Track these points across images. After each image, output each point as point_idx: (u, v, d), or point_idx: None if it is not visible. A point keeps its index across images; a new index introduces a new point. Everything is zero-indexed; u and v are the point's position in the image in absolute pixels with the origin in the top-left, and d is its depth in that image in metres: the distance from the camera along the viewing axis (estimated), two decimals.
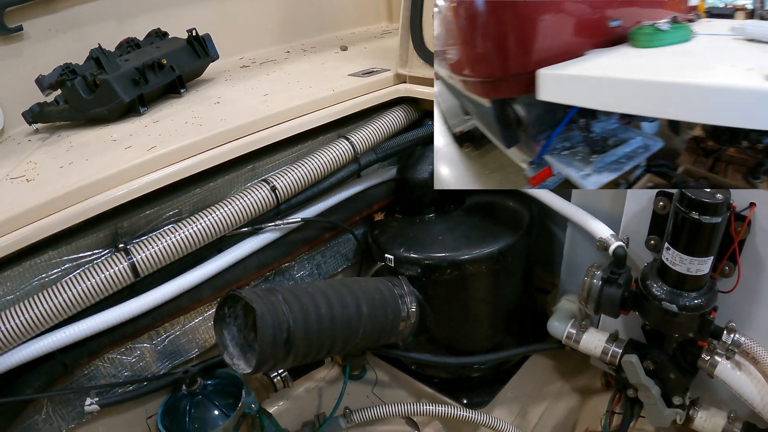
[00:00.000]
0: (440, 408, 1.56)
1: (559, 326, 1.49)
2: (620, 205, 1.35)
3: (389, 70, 1.62)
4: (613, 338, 1.43)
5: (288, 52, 2.21)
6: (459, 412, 1.55)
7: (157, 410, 1.53)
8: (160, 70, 1.66)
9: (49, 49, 1.83)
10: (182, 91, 1.73)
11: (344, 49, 2.06)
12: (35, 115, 1.72)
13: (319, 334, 1.27)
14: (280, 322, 1.21)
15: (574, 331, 1.47)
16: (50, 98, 1.75)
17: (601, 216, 1.40)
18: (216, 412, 1.44)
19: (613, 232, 1.35)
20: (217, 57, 1.81)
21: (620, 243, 1.31)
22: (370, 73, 1.62)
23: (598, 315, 1.44)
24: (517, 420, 1.63)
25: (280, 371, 1.57)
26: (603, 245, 1.34)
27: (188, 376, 1.43)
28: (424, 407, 1.56)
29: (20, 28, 1.76)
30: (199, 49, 1.76)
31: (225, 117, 1.45)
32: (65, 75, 1.62)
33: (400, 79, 1.61)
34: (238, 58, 2.14)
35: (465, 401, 1.64)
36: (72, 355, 1.32)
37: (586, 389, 1.72)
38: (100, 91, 1.58)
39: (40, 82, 1.63)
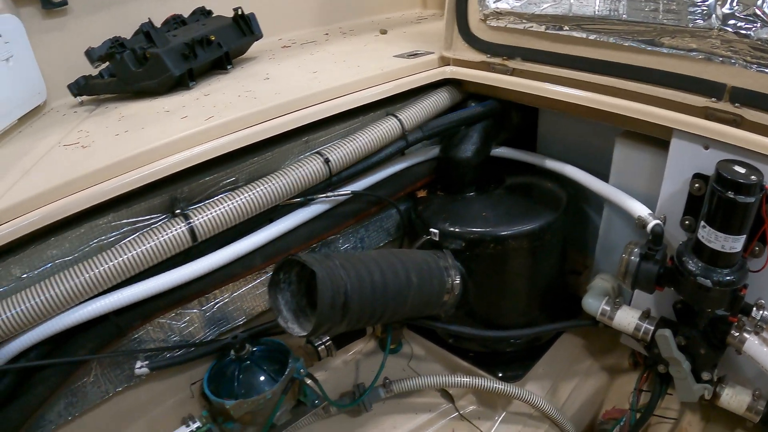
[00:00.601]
0: (477, 380, 1.61)
1: (594, 303, 1.54)
2: (656, 186, 1.41)
3: (433, 53, 1.68)
4: (646, 315, 1.49)
5: (327, 34, 2.26)
6: (495, 385, 1.61)
7: (201, 376, 1.57)
8: (208, 46, 1.71)
9: (91, 24, 1.87)
10: (228, 67, 1.78)
11: (384, 32, 2.12)
12: (80, 87, 1.75)
13: (373, 300, 1.32)
14: (338, 286, 1.26)
15: (608, 308, 1.52)
16: (95, 72, 1.79)
17: (637, 197, 1.46)
18: (262, 378, 1.49)
19: (651, 211, 1.41)
20: (261, 36, 1.86)
21: (658, 221, 1.37)
22: (414, 55, 1.67)
23: (634, 290, 1.50)
24: (548, 396, 1.69)
25: (324, 340, 1.61)
26: (641, 223, 1.40)
27: (237, 341, 1.48)
28: (462, 379, 1.62)
29: (65, 3, 1.79)
30: (245, 28, 1.81)
31: (278, 91, 1.50)
32: (114, 48, 1.66)
33: (444, 61, 1.67)
34: (276, 39, 2.19)
35: (500, 375, 1.69)
36: (126, 317, 1.36)
37: (614, 368, 1.78)
38: (149, 65, 1.62)
39: (90, 54, 1.67)
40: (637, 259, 1.36)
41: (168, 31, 1.74)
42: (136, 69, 1.64)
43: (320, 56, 1.86)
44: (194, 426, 1.53)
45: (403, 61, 1.63)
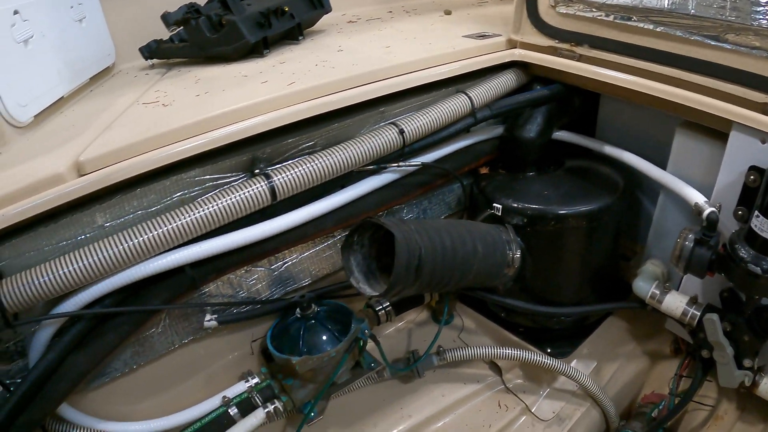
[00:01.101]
0: (528, 354, 1.66)
1: (644, 286, 1.59)
2: (712, 176, 1.45)
3: (501, 35, 1.73)
4: (693, 301, 1.53)
5: (390, 12, 2.30)
6: (545, 360, 1.66)
7: (262, 334, 1.62)
8: (281, 16, 1.75)
9: None
10: (300, 38, 1.83)
11: (448, 13, 2.16)
12: (152, 51, 1.80)
13: (443, 266, 1.38)
14: (413, 249, 1.31)
15: (658, 292, 1.57)
16: (165, 36, 1.84)
17: (692, 186, 1.51)
18: (325, 337, 1.53)
19: (706, 199, 1.45)
20: (330, 10, 1.91)
21: (713, 209, 1.41)
22: (483, 36, 1.72)
23: (685, 275, 1.55)
24: (592, 374, 1.73)
25: (384, 305, 1.67)
26: (697, 210, 1.44)
27: (305, 300, 1.52)
28: (514, 352, 1.67)
29: None
30: (315, 1, 1.86)
31: (356, 62, 1.55)
32: (190, 14, 1.71)
33: (512, 44, 1.71)
34: (341, 14, 2.24)
35: (549, 350, 1.74)
36: (201, 270, 1.40)
37: (656, 354, 1.83)
38: (225, 31, 1.67)
39: (165, 18, 1.72)
40: (692, 244, 1.41)
41: (242, 1, 1.79)
42: (210, 35, 1.69)
43: (388, 33, 1.91)
44: (253, 381, 1.58)
45: (472, 42, 1.68)
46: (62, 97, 1.60)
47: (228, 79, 1.58)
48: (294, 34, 1.83)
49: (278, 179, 1.36)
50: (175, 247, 1.32)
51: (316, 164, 1.39)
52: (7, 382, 1.34)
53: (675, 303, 1.54)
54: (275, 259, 1.56)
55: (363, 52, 1.67)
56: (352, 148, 1.44)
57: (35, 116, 1.45)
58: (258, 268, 1.55)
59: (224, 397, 1.54)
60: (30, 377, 1.26)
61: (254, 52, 1.72)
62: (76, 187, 1.19)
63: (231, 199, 1.32)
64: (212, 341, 1.60)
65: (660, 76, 1.47)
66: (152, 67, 1.85)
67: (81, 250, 1.20)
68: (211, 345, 1.60)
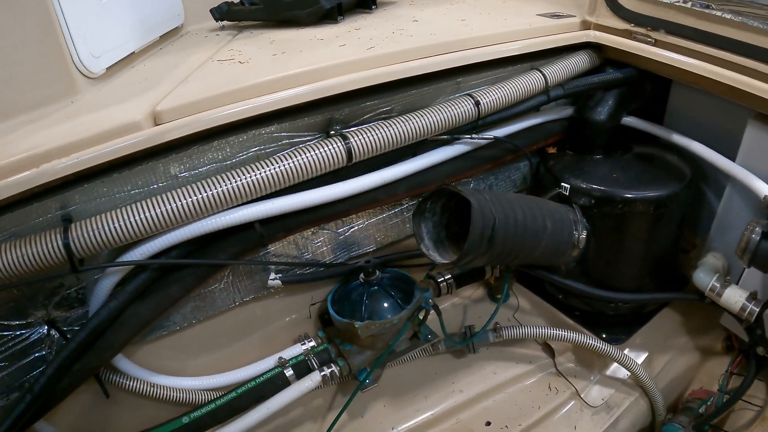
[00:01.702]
0: (584, 338, 1.63)
1: (705, 278, 1.55)
2: None
3: (575, 16, 1.70)
4: (753, 296, 1.49)
5: None
6: (600, 345, 1.62)
7: (321, 298, 1.60)
8: None
9: None
10: (372, 7, 1.82)
11: None
12: (223, 12, 1.80)
13: (514, 238, 1.35)
14: (487, 219, 1.29)
15: (718, 285, 1.53)
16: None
17: (763, 178, 1.46)
18: (386, 305, 1.51)
19: None
20: None
21: None
22: (556, 16, 1.69)
23: (748, 268, 1.52)
24: (644, 364, 1.70)
25: (446, 276, 1.65)
26: (766, 203, 1.41)
27: (370, 266, 1.51)
28: (569, 334, 1.64)
29: None
30: None
31: (433, 32, 1.53)
32: None
33: (586, 25, 1.68)
34: None
35: (604, 336, 1.71)
36: (271, 227, 1.39)
37: (707, 349, 1.79)
38: None
39: None
40: (758, 238, 1.36)
41: None
42: None
43: (460, 7, 1.88)
44: (309, 344, 1.56)
45: (546, 20, 1.65)
46: (133, 53, 1.60)
47: (304, 42, 1.56)
48: (367, 2, 1.82)
49: (355, 141, 1.34)
50: (246, 203, 1.30)
51: (393, 129, 1.37)
52: (65, 329, 1.33)
53: (734, 297, 1.50)
54: (342, 223, 1.54)
55: (439, 23, 1.65)
56: (428, 116, 1.41)
57: (107, 69, 1.45)
58: (325, 231, 1.53)
59: (280, 358, 1.52)
60: (90, 324, 1.25)
61: (328, 17, 1.71)
62: (153, 136, 1.18)
63: (308, 156, 1.30)
64: (270, 302, 1.59)
65: (735, 66, 1.43)
66: (222, 28, 1.84)
67: (153, 199, 1.19)
68: (269, 306, 1.59)
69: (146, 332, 1.44)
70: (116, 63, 1.51)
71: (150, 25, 1.69)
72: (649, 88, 1.71)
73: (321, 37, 1.57)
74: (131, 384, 1.45)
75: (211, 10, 1.79)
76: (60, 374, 1.23)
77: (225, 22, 1.83)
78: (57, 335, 1.33)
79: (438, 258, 1.35)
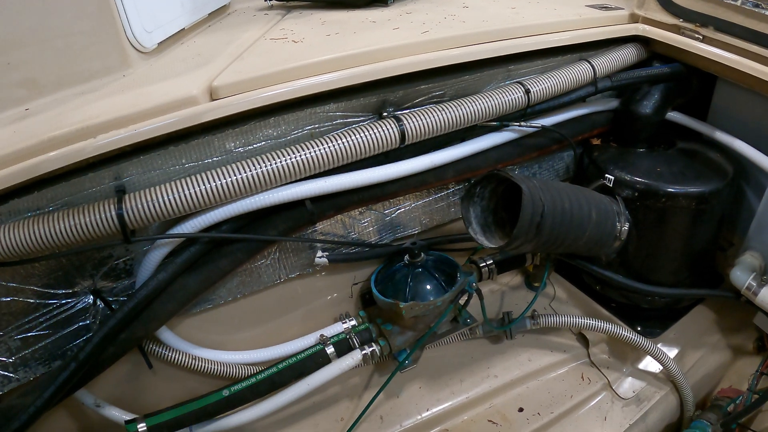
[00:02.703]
0: (619, 329, 1.62)
1: (742, 276, 1.54)
2: None
3: (623, 9, 1.68)
4: None
5: None
6: (635, 338, 1.62)
7: (364, 278, 1.60)
8: None
9: None
10: None
11: None
12: None
13: (561, 226, 1.34)
14: (537, 206, 1.28)
15: (755, 284, 1.51)
16: None
17: None
18: (429, 287, 1.51)
19: None
20: None
21: None
22: (605, 8, 1.67)
23: None
24: (675, 359, 1.70)
25: (488, 262, 1.64)
26: None
27: (416, 247, 1.50)
28: (605, 325, 1.63)
29: None
30: None
31: (485, 19, 1.52)
32: None
33: (634, 18, 1.66)
34: None
35: (639, 329, 1.71)
36: (321, 206, 1.38)
37: (738, 349, 1.78)
38: None
39: None
40: None
41: None
42: None
43: None
44: (351, 323, 1.56)
45: (596, 12, 1.63)
46: (183, 29, 1.60)
47: (356, 24, 1.55)
48: None
49: (409, 123, 1.33)
50: (299, 180, 1.30)
51: (446, 113, 1.37)
52: (110, 299, 1.33)
53: None
54: (389, 204, 1.54)
55: (489, 10, 1.63)
56: (479, 101, 1.41)
57: (159, 44, 1.45)
58: (372, 212, 1.53)
59: (321, 335, 1.52)
60: (138, 294, 1.25)
61: (378, 0, 1.70)
62: (210, 110, 1.18)
63: (362, 136, 1.30)
64: (313, 280, 1.59)
65: None
66: (271, 8, 1.83)
67: (207, 174, 1.18)
68: (312, 283, 1.59)
69: (192, 305, 1.43)
70: (167, 39, 1.51)
71: (200, 2, 1.69)
72: (694, 84, 1.70)
73: (373, 20, 1.56)
74: (173, 356, 1.45)
75: None
76: (106, 343, 1.23)
77: (274, 2, 1.82)
78: (102, 305, 1.33)
79: (486, 242, 1.35)
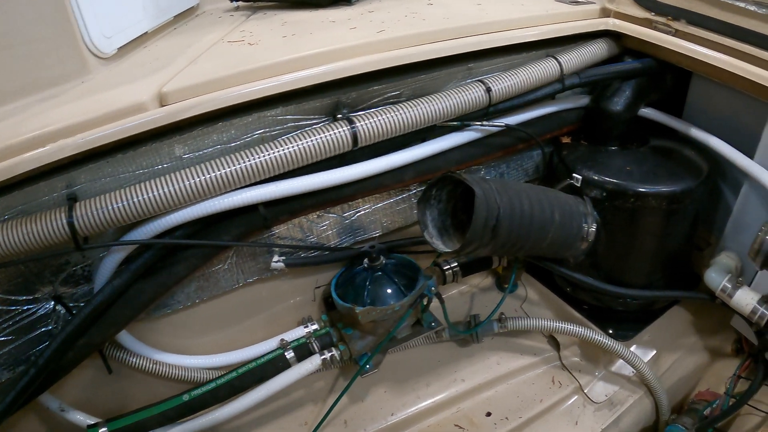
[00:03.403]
0: (590, 332, 1.57)
1: (716, 278, 1.47)
2: None
3: (594, 2, 1.61)
4: (765, 300, 1.40)
5: None
6: (607, 341, 1.56)
7: (326, 282, 1.56)
8: None
9: None
10: None
11: None
12: None
13: (519, 229, 1.29)
14: (492, 208, 1.23)
15: (730, 286, 1.44)
16: None
17: None
18: (390, 291, 1.47)
19: None
20: None
21: None
22: (576, 2, 1.60)
23: (761, 271, 1.44)
24: (650, 362, 1.64)
25: (452, 264, 1.59)
26: None
27: (375, 251, 1.46)
28: (575, 328, 1.58)
29: None
30: None
31: (447, 16, 1.46)
32: None
33: (605, 13, 1.59)
34: None
35: (611, 331, 1.64)
36: (275, 210, 1.35)
37: (716, 351, 1.72)
38: None
39: None
40: None
41: None
42: None
43: None
44: (312, 327, 1.53)
45: (565, 6, 1.56)
46: (146, 32, 1.57)
47: (316, 24, 1.51)
48: None
49: (361, 125, 1.29)
50: (251, 185, 1.26)
51: (400, 114, 1.31)
52: (71, 305, 1.32)
53: (746, 299, 1.42)
54: (348, 207, 1.49)
55: (454, 7, 1.57)
56: (437, 101, 1.35)
57: (119, 48, 1.42)
58: (330, 215, 1.48)
59: (282, 339, 1.49)
60: (94, 301, 1.24)
61: (342, 0, 1.65)
62: (157, 117, 1.15)
63: (312, 140, 1.25)
64: (275, 284, 1.55)
65: (758, 60, 1.34)
66: (237, 9, 1.79)
67: (157, 180, 1.16)
68: (274, 288, 1.56)
69: (151, 310, 1.41)
70: (128, 43, 1.47)
71: (164, 5, 1.65)
72: (668, 79, 1.62)
73: (333, 20, 1.52)
74: (135, 361, 1.44)
75: None
76: (64, 348, 1.22)
77: (240, 3, 1.78)
78: (63, 311, 1.32)
79: (441, 246, 1.30)
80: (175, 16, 1.70)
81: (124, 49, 1.45)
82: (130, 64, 1.41)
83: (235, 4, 1.79)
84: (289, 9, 1.68)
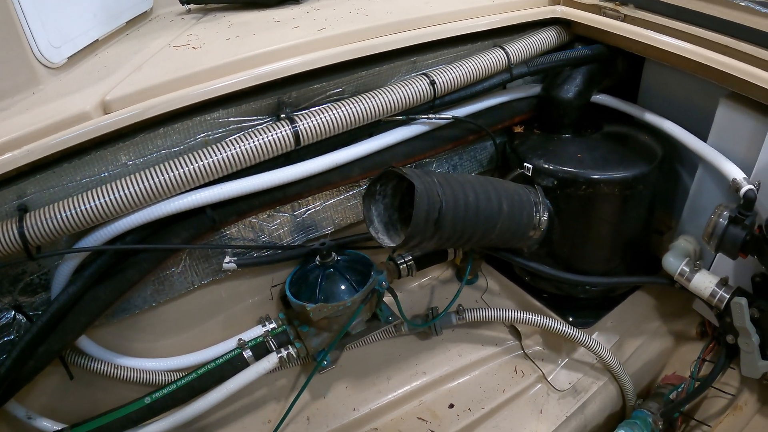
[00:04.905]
0: (548, 321, 1.58)
1: (674, 262, 1.47)
2: (754, 153, 1.33)
3: None
4: (723, 283, 1.40)
5: None
6: (565, 329, 1.57)
7: (283, 280, 1.57)
8: None
9: None
10: None
11: None
12: None
13: (465, 221, 1.29)
14: (433, 201, 1.23)
15: (688, 270, 1.44)
16: None
17: (733, 161, 1.38)
18: (343, 287, 1.48)
19: (746, 176, 1.32)
20: None
21: (752, 186, 1.28)
22: None
23: (716, 254, 1.43)
24: (613, 349, 1.64)
25: (406, 259, 1.60)
26: (735, 186, 1.31)
27: (325, 248, 1.47)
28: (534, 317, 1.58)
29: None
30: None
31: (391, 11, 1.46)
32: None
33: (554, 1, 1.59)
34: None
35: (570, 319, 1.64)
36: (222, 212, 1.36)
37: (681, 335, 1.72)
38: None
39: None
40: (725, 222, 1.28)
41: None
42: None
43: None
44: (270, 326, 1.54)
45: None
46: (97, 40, 1.57)
47: (260, 24, 1.51)
48: None
49: (303, 124, 1.30)
50: (196, 188, 1.28)
51: (342, 111, 1.32)
52: (30, 313, 1.34)
53: (704, 283, 1.42)
54: (299, 206, 1.50)
55: (399, 1, 1.57)
56: (379, 96, 1.36)
57: (69, 58, 1.43)
58: (281, 214, 1.49)
59: (240, 339, 1.50)
60: (51, 309, 1.26)
61: None
62: (101, 125, 1.16)
63: (253, 142, 1.27)
64: (234, 284, 1.57)
65: (707, 43, 1.34)
66: (188, 12, 1.79)
67: (103, 187, 1.18)
68: (233, 288, 1.57)
69: (109, 315, 1.43)
70: (79, 51, 1.48)
71: (115, 11, 1.66)
72: (621, 65, 1.62)
73: (278, 19, 1.52)
74: (97, 366, 1.46)
75: None
76: (25, 357, 1.24)
77: (191, 6, 1.78)
78: (24, 320, 1.33)
79: (386, 241, 1.30)
80: (127, 22, 1.70)
81: (75, 58, 1.46)
82: (80, 72, 1.42)
83: (186, 7, 1.79)
84: (238, 10, 1.68)
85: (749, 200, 1.28)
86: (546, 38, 1.56)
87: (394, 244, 1.29)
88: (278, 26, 1.46)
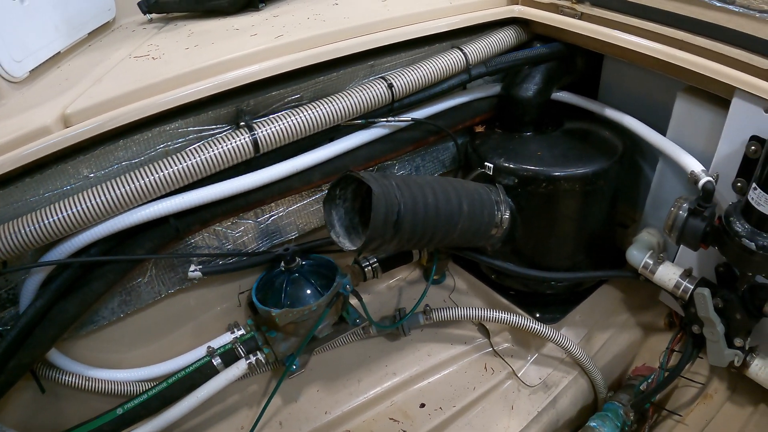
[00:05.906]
0: (515, 318, 1.61)
1: (638, 255, 1.51)
2: (712, 145, 1.37)
3: None
4: (687, 274, 1.44)
5: None
6: (532, 325, 1.61)
7: (250, 286, 1.60)
8: None
9: None
10: None
11: None
12: (150, 5, 1.77)
13: (424, 222, 1.32)
14: (392, 204, 1.26)
15: (651, 262, 1.48)
16: None
17: (692, 154, 1.42)
18: (309, 291, 1.51)
19: (704, 168, 1.37)
20: None
21: (710, 178, 1.33)
22: None
23: (679, 246, 1.47)
24: (582, 343, 1.68)
25: (371, 261, 1.63)
26: (693, 179, 1.36)
27: (289, 254, 1.50)
28: (501, 315, 1.62)
29: None
30: None
31: (347, 16, 1.49)
32: None
33: (513, 0, 1.63)
34: None
35: (538, 315, 1.69)
36: (185, 221, 1.39)
37: (649, 326, 1.76)
38: None
39: None
40: (685, 214, 1.32)
41: None
42: None
43: None
44: (238, 333, 1.57)
45: None
46: (59, 52, 1.59)
47: (220, 33, 1.54)
48: None
49: (261, 132, 1.32)
50: (158, 198, 1.30)
51: (301, 117, 1.35)
52: (1, 329, 1.35)
53: (668, 275, 1.46)
54: (262, 212, 1.53)
55: (358, 6, 1.60)
56: (337, 101, 1.39)
57: (31, 71, 1.45)
58: (245, 221, 1.52)
59: (209, 347, 1.53)
60: (19, 323, 1.27)
61: (250, 5, 1.69)
62: (61, 139, 1.18)
63: (213, 151, 1.29)
64: (202, 292, 1.59)
65: (663, 38, 1.38)
66: (150, 21, 1.81)
67: (66, 201, 1.20)
68: (201, 296, 1.60)
69: (77, 327, 1.45)
70: (41, 65, 1.50)
71: (77, 23, 1.68)
72: (580, 62, 1.66)
73: (237, 27, 1.55)
74: (68, 378, 1.47)
75: (138, 4, 1.76)
76: None
77: (153, 15, 1.80)
78: None
79: (348, 245, 1.33)
80: (89, 33, 1.72)
81: (37, 71, 1.48)
82: (42, 86, 1.44)
83: (148, 16, 1.81)
84: (199, 18, 1.70)
85: (708, 192, 1.32)
86: (504, 38, 1.59)
87: (356, 248, 1.32)
88: (237, 34, 1.49)
